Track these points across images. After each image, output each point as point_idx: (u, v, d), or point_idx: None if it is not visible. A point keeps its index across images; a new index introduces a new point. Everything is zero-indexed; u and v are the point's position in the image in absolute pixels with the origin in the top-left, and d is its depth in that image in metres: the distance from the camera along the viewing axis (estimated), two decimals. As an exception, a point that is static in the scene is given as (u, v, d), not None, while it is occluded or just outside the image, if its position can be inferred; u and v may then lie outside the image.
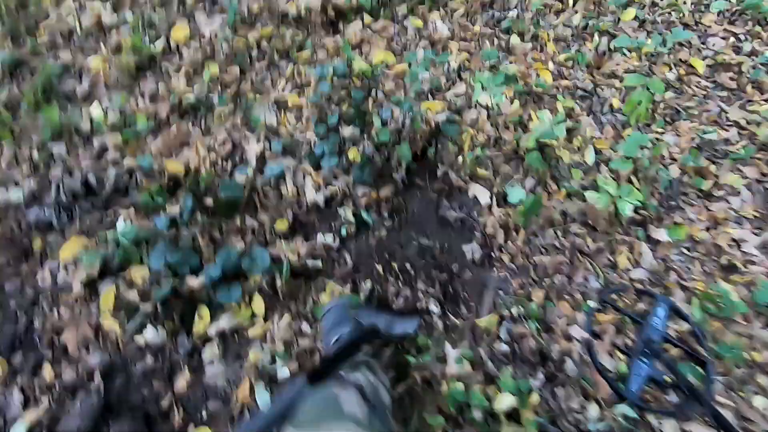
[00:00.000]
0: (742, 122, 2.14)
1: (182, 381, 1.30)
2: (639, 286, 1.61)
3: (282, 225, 1.60)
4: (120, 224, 1.49)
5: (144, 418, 1.24)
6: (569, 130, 1.99)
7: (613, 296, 1.58)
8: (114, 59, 1.94)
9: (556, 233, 1.71)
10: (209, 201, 1.55)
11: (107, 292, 1.39)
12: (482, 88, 1.95)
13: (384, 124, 1.80)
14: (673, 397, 1.40)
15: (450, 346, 1.42)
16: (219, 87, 1.94)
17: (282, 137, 1.80)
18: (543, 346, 1.43)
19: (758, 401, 1.44)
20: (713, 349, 1.50)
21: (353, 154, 1.77)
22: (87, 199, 1.56)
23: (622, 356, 1.46)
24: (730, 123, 2.14)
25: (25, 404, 1.22)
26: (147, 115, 1.79)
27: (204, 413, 1.28)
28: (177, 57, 2.00)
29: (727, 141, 2.07)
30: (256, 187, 1.65)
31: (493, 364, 1.40)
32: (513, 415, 1.30)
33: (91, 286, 1.41)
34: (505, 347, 1.43)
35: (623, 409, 1.30)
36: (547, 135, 1.71)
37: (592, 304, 1.54)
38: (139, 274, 1.41)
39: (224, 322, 1.40)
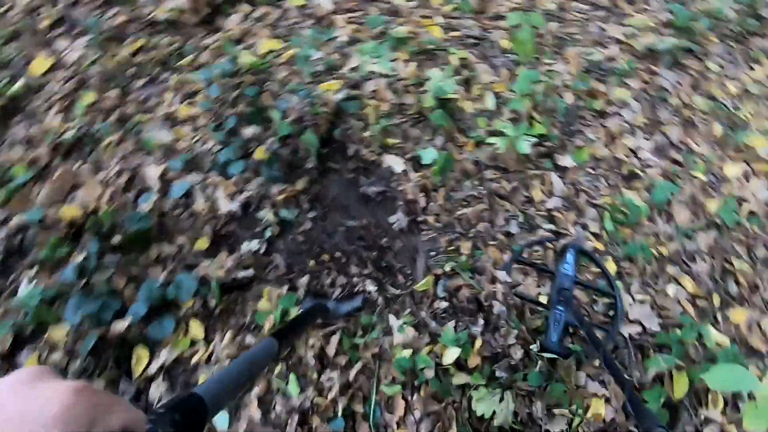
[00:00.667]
0: (621, 38, 2.25)
1: (133, 427, 1.26)
2: (549, 234, 1.67)
3: (202, 243, 1.54)
4: (22, 288, 1.37)
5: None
6: (467, 81, 2.02)
7: (536, 248, 1.65)
8: (-28, 111, 1.73)
9: (472, 183, 1.76)
10: (117, 239, 1.46)
11: (29, 361, 1.29)
12: (374, 56, 1.92)
13: (284, 116, 1.74)
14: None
15: (393, 317, 1.46)
16: (100, 115, 1.79)
17: (181, 153, 1.70)
18: (477, 293, 1.49)
19: (671, 289, 1.60)
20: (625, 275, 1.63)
21: (259, 153, 1.71)
22: (-21, 271, 1.42)
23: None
24: (610, 40, 2.25)
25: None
26: (25, 165, 1.63)
27: (165, 450, 1.25)
28: (43, 93, 1.81)
29: (611, 59, 2.17)
30: (166, 212, 1.56)
31: (436, 323, 1.45)
32: (462, 365, 1.37)
33: (10, 360, 1.31)
34: (444, 304, 1.49)
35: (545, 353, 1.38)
36: (442, 91, 1.72)
37: (507, 258, 1.59)
38: (58, 333, 1.32)
39: (164, 356, 1.35)
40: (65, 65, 1.88)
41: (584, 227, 1.71)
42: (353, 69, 1.96)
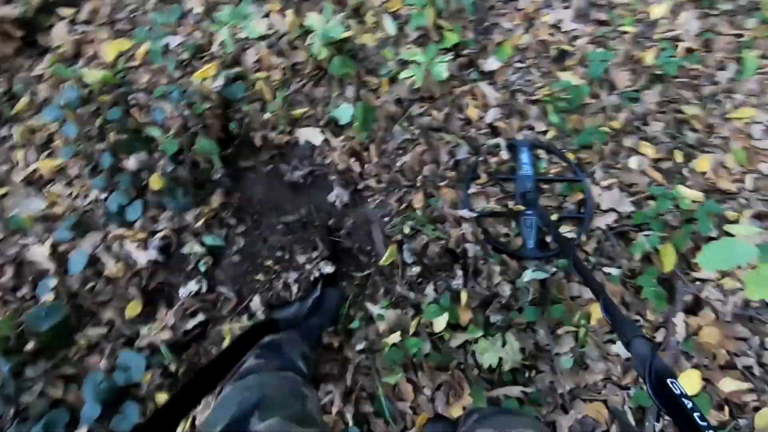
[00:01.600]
0: None
1: None
2: (493, 141, 1.50)
3: (133, 309, 1.31)
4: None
5: None
6: (357, 10, 1.72)
7: (489, 159, 1.49)
8: None
9: (402, 126, 1.55)
10: (30, 345, 1.21)
11: None
12: (240, 20, 1.58)
13: (166, 129, 1.44)
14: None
15: (371, 305, 1.31)
16: (-51, 208, 1.44)
17: (64, 218, 1.40)
18: (445, 244, 1.35)
19: (633, 162, 1.50)
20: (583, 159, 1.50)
21: (155, 182, 1.43)
22: None
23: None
24: None
25: None
26: None
27: None
28: None
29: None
30: (75, 292, 1.31)
31: (414, 292, 1.32)
32: (454, 325, 1.26)
33: None
34: (416, 269, 1.34)
35: (530, 275, 1.27)
36: (329, 35, 1.43)
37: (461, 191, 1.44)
38: (13, 473, 1.13)
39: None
40: None
41: (531, 129, 1.55)
42: (222, 44, 1.62)
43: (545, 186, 1.46)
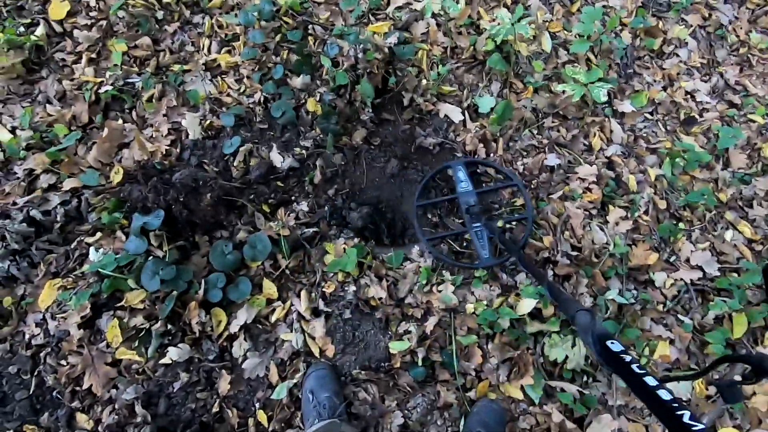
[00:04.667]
0: (679, -33, 2.01)
1: (223, 384, 1.24)
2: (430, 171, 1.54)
3: (265, 206, 1.43)
4: (93, 255, 1.28)
5: (201, 427, 1.19)
6: (520, 19, 1.81)
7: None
8: (-7, 64, 1.51)
9: (531, 132, 1.64)
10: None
11: (111, 326, 1.24)
12: (424, -6, 1.69)
13: (335, 63, 1.56)
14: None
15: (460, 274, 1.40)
16: (136, 66, 1.58)
17: (230, 107, 1.53)
18: (541, 248, 1.43)
19: (728, 235, 1.55)
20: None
21: (312, 105, 1.55)
22: (41, 239, 1.31)
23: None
24: (668, -29, 2.01)
25: (77, 457, 1.14)
26: (65, 123, 1.46)
27: (256, 404, 1.24)
28: (69, 41, 1.58)
29: (667, -8, 1.96)
30: (228, 164, 1.44)
31: (507, 275, 1.40)
32: (535, 315, 1.34)
33: (90, 326, 1.25)
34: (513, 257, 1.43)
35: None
36: (508, 33, 1.53)
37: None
38: (136, 299, 1.26)
39: (243, 316, 1.30)
40: (87, 9, 1.63)
41: (643, 173, 1.62)
42: (399, 8, 1.74)
43: (487, 197, 1.51)
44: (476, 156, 1.58)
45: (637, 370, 0.56)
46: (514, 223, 1.46)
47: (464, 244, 1.47)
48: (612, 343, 0.62)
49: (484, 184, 1.54)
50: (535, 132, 1.64)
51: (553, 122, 1.65)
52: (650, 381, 0.54)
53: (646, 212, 1.53)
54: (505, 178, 1.51)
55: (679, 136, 1.70)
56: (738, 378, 1.32)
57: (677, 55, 1.84)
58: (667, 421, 0.49)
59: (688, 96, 1.79)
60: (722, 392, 0.46)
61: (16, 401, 1.17)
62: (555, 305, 1.33)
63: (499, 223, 1.42)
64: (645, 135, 1.69)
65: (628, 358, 0.59)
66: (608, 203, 1.54)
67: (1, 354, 1.22)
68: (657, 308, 1.41)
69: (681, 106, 1.75)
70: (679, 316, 1.40)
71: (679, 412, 0.48)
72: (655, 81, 1.79)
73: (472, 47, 1.69)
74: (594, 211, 1.51)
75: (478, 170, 1.57)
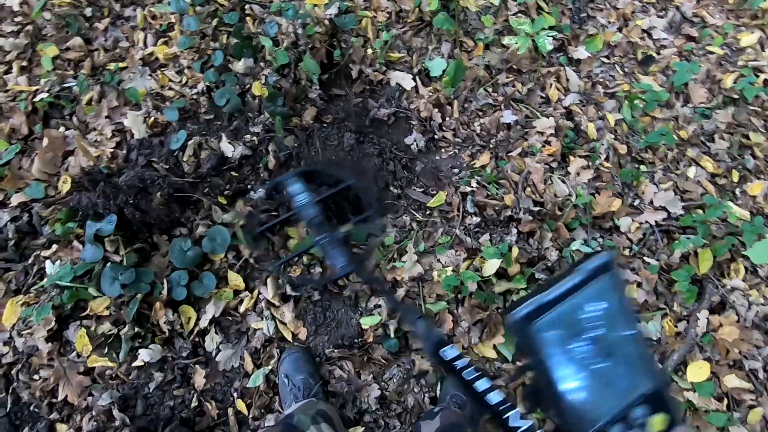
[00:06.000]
0: None
1: (199, 378, 1.23)
2: (261, 190, 1.37)
3: (222, 198, 1.39)
4: (49, 268, 1.24)
5: (182, 423, 1.19)
6: (465, -26, 1.72)
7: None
8: None
9: (486, 91, 1.58)
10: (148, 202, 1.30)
11: (79, 336, 1.22)
12: (361, -42, 1.59)
13: (276, 42, 1.48)
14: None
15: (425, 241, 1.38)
16: (71, 70, 1.50)
17: (173, 101, 1.47)
18: (503, 206, 1.40)
19: (691, 171, 1.53)
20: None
21: (257, 88, 1.48)
22: (-4, 257, 1.28)
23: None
24: None
25: (62, 466, 1.14)
26: (5, 137, 1.40)
27: (233, 394, 1.24)
28: (-4, 52, 1.50)
29: (617, -74, 1.85)
30: (178, 160, 1.39)
31: (471, 239, 1.38)
32: (502, 274, 1.33)
33: (58, 338, 1.23)
34: (476, 219, 1.41)
35: None
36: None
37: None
38: (100, 306, 1.23)
39: (211, 310, 1.29)
40: (11, 14, 1.53)
41: (602, 119, 1.58)
42: (338, -24, 1.64)
43: (327, 202, 1.33)
44: (431, 122, 1.53)
45: (469, 377, 0.59)
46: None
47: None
48: (445, 350, 0.65)
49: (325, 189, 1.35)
50: (490, 90, 1.58)
51: (507, 77, 1.60)
52: (481, 385, 0.57)
53: (607, 159, 1.50)
54: (337, 181, 1.34)
55: (637, 77, 1.65)
56: (706, 312, 1.33)
57: (631, -7, 1.76)
58: (498, 423, 0.53)
59: (645, 34, 1.72)
60: (529, 398, 0.47)
61: (-5, 419, 1.17)
62: (394, 315, 1.25)
63: (345, 228, 1.27)
64: (602, 80, 1.64)
65: (462, 364, 0.61)
66: (568, 154, 1.50)
67: (-26, 376, 1.21)
68: (623, 253, 1.40)
69: (637, 45, 1.69)
70: (645, 258, 1.39)
71: (505, 416, 0.52)
72: (609, 23, 1.72)
73: (417, 9, 1.61)
74: (554, 164, 1.48)
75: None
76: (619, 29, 1.71)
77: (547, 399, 0.43)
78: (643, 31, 1.72)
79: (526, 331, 0.42)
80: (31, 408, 1.18)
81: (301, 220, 1.29)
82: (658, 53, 1.69)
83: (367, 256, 1.34)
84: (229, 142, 1.44)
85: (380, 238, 1.36)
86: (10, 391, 1.20)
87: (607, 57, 1.67)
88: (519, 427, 0.50)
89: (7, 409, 1.18)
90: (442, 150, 1.52)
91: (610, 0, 1.75)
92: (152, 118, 1.44)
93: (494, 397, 0.55)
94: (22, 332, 1.23)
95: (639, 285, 1.36)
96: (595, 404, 0.43)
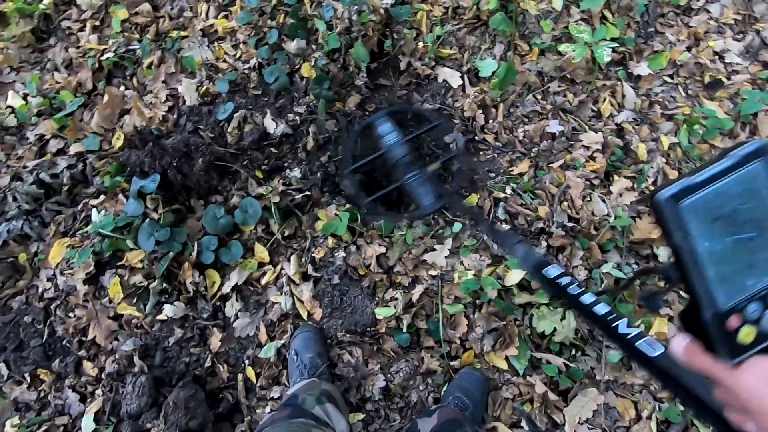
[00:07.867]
0: None
1: (215, 341, 1.27)
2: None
3: (259, 172, 1.41)
4: (95, 216, 1.31)
5: (194, 380, 1.24)
6: (529, -24, 1.65)
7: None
8: (5, 34, 1.54)
9: (535, 98, 1.51)
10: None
11: (112, 283, 1.28)
12: (425, -51, 1.56)
13: (329, 27, 1.48)
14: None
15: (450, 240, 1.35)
16: (137, 33, 1.57)
17: (226, 72, 1.50)
18: (536, 217, 1.34)
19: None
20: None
21: (306, 70, 1.49)
22: (51, 200, 1.36)
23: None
24: None
25: (83, 400, 1.21)
26: (71, 90, 1.48)
27: (245, 360, 1.27)
28: (75, 9, 1.58)
29: (702, -61, 1.71)
30: (223, 130, 1.42)
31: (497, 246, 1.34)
32: (525, 286, 1.28)
33: (94, 282, 1.30)
34: (505, 226, 1.36)
35: None
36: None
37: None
38: (135, 258, 1.29)
39: (234, 278, 1.32)
40: (90, -24, 1.61)
41: (656, 141, 1.48)
42: (400, -34, 1.62)
43: (414, 141, 1.36)
44: (474, 123, 1.48)
45: (573, 292, 0.59)
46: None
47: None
48: (548, 269, 0.65)
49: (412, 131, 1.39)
50: (539, 97, 1.51)
51: (559, 86, 1.52)
52: (586, 299, 0.57)
53: (654, 183, 1.40)
54: (426, 120, 1.38)
55: (700, 101, 1.52)
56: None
57: (707, 11, 1.63)
58: (607, 333, 0.53)
59: (716, 56, 1.58)
60: (645, 302, 0.47)
61: (31, 348, 1.26)
62: (494, 241, 1.26)
63: (434, 167, 1.29)
64: (661, 100, 1.53)
65: (564, 281, 0.61)
66: (613, 173, 1.42)
67: (18, 305, 1.30)
68: (658, 284, 1.31)
69: (706, 68, 1.56)
70: (681, 292, 1.29)
71: (613, 324, 0.51)
72: (678, 40, 1.59)
73: (475, 6, 1.56)
74: (596, 181, 1.40)
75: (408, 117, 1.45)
76: (688, 48, 1.58)
77: (690, 273, 0.41)
78: (715, 53, 1.58)
79: (673, 210, 0.40)
80: (64, 342, 1.26)
81: (390, 159, 1.33)
82: (729, 78, 1.56)
83: (457, 191, 1.35)
84: (272, 119, 1.46)
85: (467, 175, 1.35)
86: (48, 323, 1.28)
87: (671, 76, 1.56)
88: (628, 334, 0.50)
89: (43, 340, 1.27)
90: (481, 152, 1.47)
91: (683, 17, 1.63)
92: (204, 87, 1.49)
93: (601, 309, 0.55)
94: (64, 272, 1.31)
95: (671, 319, 1.27)
96: (737, 278, 0.40)
